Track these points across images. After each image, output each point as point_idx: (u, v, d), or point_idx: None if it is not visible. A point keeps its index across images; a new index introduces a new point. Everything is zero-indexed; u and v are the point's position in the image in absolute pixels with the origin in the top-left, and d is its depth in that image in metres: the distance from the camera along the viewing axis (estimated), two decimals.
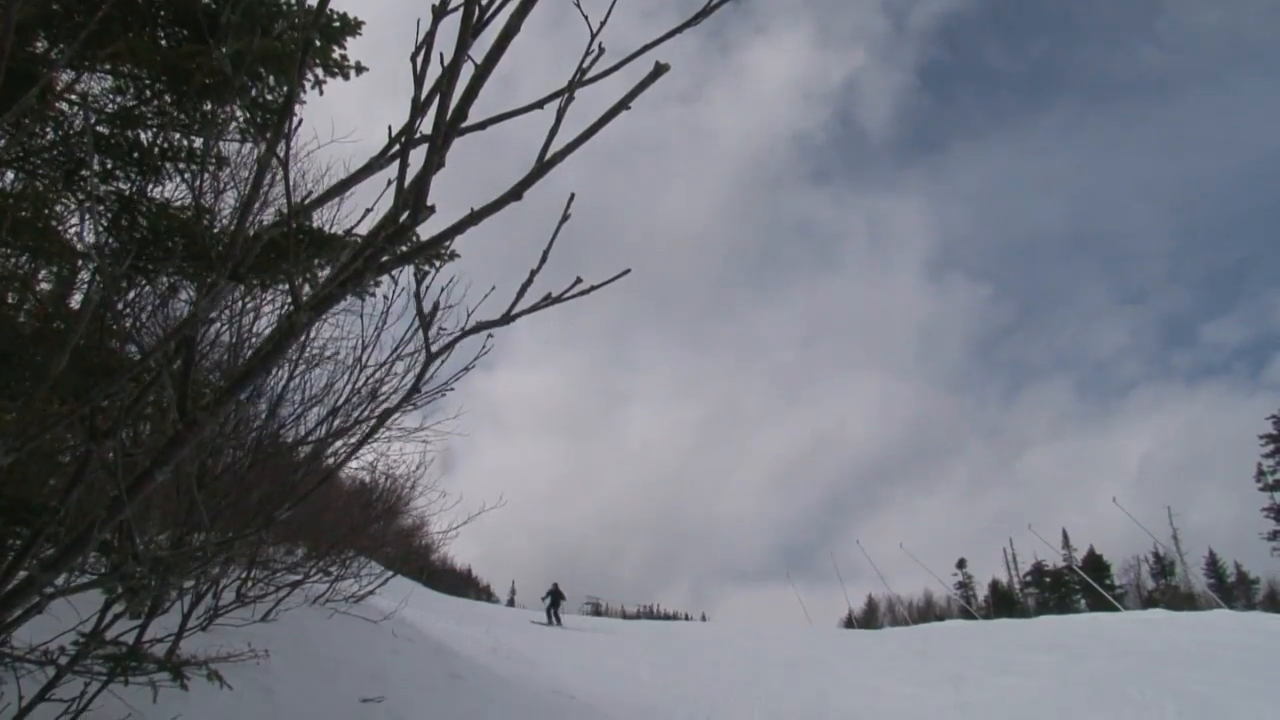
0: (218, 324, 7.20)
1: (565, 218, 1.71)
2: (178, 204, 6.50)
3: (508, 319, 1.77)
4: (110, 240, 5.97)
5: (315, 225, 6.54)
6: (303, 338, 6.41)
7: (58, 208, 6.08)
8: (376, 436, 8.30)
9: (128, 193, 6.15)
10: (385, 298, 6.21)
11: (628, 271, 1.76)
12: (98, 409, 2.03)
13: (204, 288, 1.94)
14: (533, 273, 1.70)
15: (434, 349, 1.89)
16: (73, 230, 6.38)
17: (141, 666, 4.19)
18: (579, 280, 1.72)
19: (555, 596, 32.58)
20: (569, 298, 1.72)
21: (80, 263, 6.23)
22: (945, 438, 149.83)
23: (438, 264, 6.16)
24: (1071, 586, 68.62)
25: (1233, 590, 61.32)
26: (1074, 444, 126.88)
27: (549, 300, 1.74)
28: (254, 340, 6.56)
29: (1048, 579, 72.20)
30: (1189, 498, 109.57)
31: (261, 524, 2.25)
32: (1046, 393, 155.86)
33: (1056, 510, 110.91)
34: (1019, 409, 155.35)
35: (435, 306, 1.87)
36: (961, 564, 77.07)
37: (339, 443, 4.95)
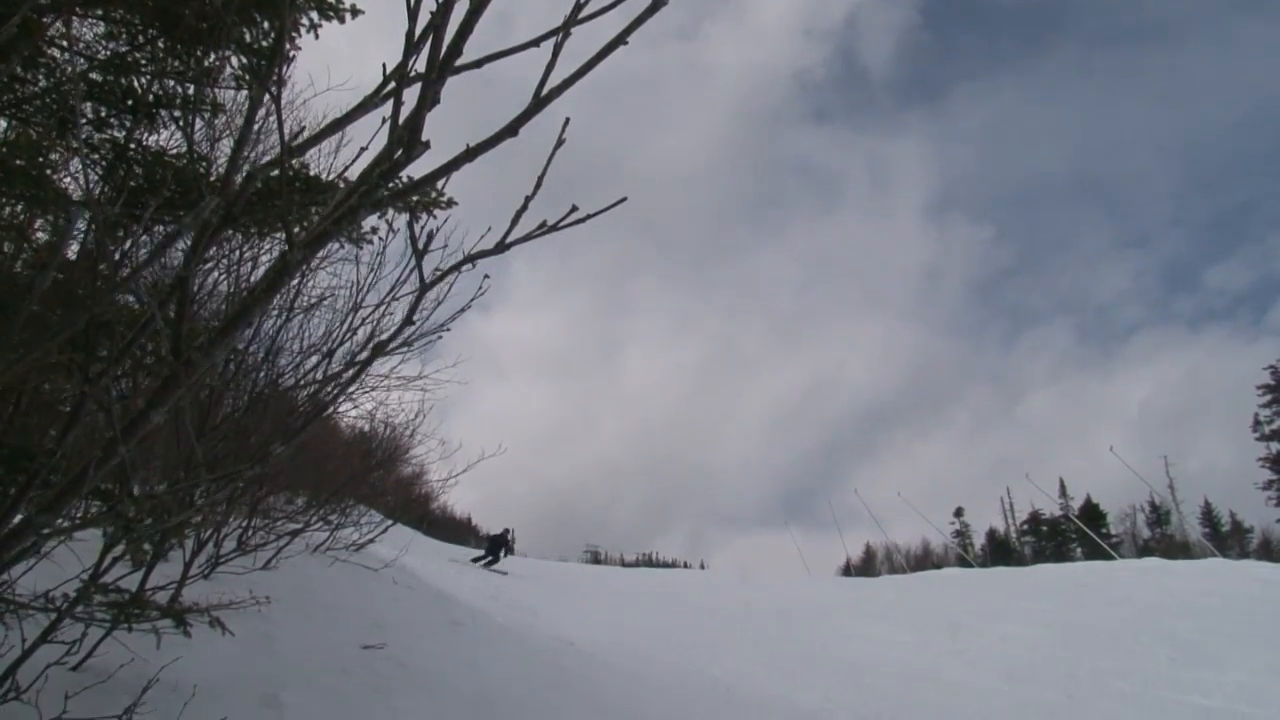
0: (215, 273, 7.18)
1: (560, 142, 1.68)
2: (173, 152, 6.45)
3: (502, 247, 1.74)
4: (105, 188, 5.93)
5: (312, 173, 6.49)
6: (298, 280, 6.39)
7: (53, 156, 6.04)
8: (372, 372, 8.27)
9: (122, 140, 6.10)
10: (381, 238, 6.17)
11: (624, 200, 1.73)
12: (94, 356, 2.01)
13: (200, 230, 1.91)
14: (527, 199, 1.68)
15: (428, 280, 1.87)
16: (68, 179, 6.34)
17: (144, 613, 4.22)
18: (575, 209, 1.69)
19: (497, 543, 28.70)
20: (565, 226, 1.69)
21: (75, 211, 6.19)
22: (944, 382, 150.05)
23: (435, 212, 6.13)
24: (1068, 535, 69.18)
25: (1227, 539, 61.81)
26: (1073, 389, 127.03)
27: (545, 229, 1.71)
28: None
29: (1044, 528, 72.79)
30: (1188, 444, 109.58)
31: (257, 459, 2.25)
32: (1047, 337, 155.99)
33: (1054, 458, 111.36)
34: (1019, 353, 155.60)
35: (429, 236, 1.85)
36: (959, 513, 77.68)
37: (339, 391, 4.94)
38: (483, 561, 27.89)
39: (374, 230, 6.42)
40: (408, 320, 1.94)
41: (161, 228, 6.13)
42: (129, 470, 1.95)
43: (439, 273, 1.99)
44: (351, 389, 7.25)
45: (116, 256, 5.83)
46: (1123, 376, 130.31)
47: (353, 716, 5.13)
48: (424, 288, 1.85)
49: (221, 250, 6.89)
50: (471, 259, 1.84)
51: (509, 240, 1.73)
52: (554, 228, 1.71)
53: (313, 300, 7.17)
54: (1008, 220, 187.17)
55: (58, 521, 1.97)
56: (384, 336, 2.13)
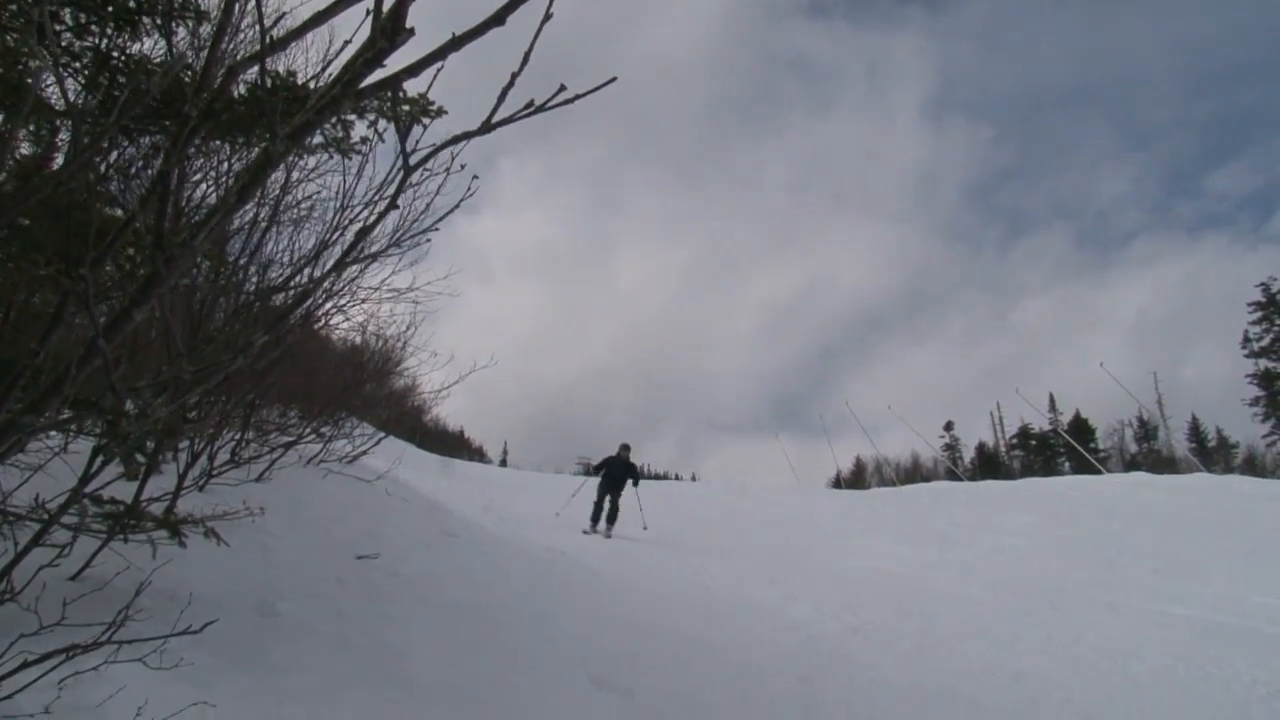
0: (203, 185, 7.08)
1: (548, 16, 1.62)
2: (157, 61, 6.32)
3: (488, 127, 1.69)
4: (89, 98, 5.82)
5: (299, 83, 6.37)
6: (283, 188, 6.33)
7: (33, 64, 5.91)
8: (363, 284, 8.21)
9: (104, 48, 5.97)
10: (368, 141, 6.09)
11: (614, 80, 1.67)
12: (76, 263, 1.98)
13: (180, 126, 1.86)
14: (514, 75, 1.62)
15: (412, 162, 1.82)
16: (51, 89, 6.22)
17: (139, 525, 4.25)
18: (563, 88, 1.64)
19: (617, 471, 17.41)
20: (553, 106, 1.64)
21: (59, 123, 6.08)
22: (939, 286, 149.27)
23: (423, 120, 6.02)
24: (1056, 449, 70.07)
25: (1213, 454, 62.59)
26: (1070, 296, 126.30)
27: (532, 109, 1.66)
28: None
29: (1033, 442, 73.62)
30: (1182, 354, 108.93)
31: (240, 349, 2.23)
32: (1045, 242, 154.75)
33: (1046, 369, 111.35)
34: (1015, 258, 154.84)
35: (412, 116, 1.81)
36: (949, 426, 78.60)
37: (329, 276, 4.89)
38: (598, 520, 16.83)
39: (363, 140, 6.34)
40: (392, 204, 1.90)
41: (147, 139, 6.04)
42: (111, 368, 1.93)
43: (427, 174, 1.95)
44: (340, 288, 7.20)
45: (103, 170, 5.75)
46: (1120, 283, 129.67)
47: (348, 624, 5.20)
48: (408, 170, 1.80)
49: (209, 163, 6.80)
50: (457, 140, 1.79)
51: (494, 120, 1.68)
52: (541, 108, 1.65)
53: (302, 207, 7.12)
54: (1007, 121, 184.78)
55: (41, 420, 1.96)
56: (370, 221, 2.09)
